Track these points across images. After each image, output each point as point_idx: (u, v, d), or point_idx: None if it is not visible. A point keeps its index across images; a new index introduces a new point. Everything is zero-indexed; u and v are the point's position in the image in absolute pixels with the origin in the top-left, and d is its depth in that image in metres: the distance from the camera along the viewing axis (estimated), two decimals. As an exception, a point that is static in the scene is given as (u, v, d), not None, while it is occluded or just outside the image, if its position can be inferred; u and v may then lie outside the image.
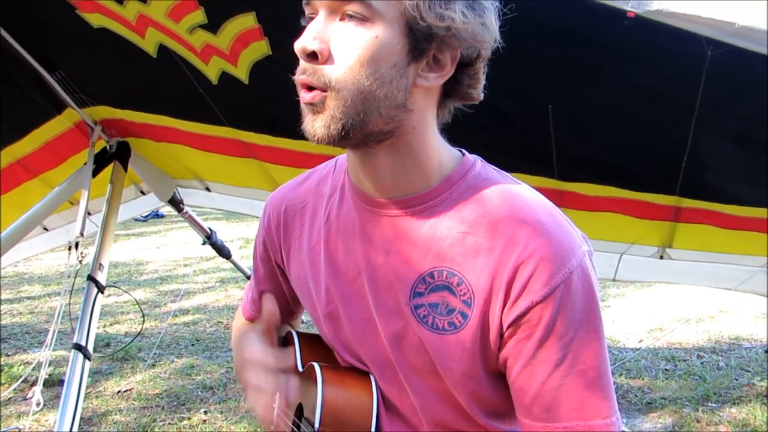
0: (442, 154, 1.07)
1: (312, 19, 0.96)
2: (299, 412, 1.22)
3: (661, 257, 2.83)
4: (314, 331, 1.29)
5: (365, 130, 0.97)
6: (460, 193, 1.05)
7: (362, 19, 0.92)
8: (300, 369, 1.24)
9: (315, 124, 0.96)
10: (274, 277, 1.32)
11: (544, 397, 1.00)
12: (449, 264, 1.03)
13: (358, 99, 0.94)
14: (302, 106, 0.98)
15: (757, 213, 2.26)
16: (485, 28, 0.97)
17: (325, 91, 0.94)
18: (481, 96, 1.06)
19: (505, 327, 1.00)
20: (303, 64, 0.96)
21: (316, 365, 1.15)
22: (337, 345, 1.19)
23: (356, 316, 1.13)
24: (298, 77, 0.97)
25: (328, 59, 0.94)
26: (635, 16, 1.60)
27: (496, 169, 1.11)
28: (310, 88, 0.95)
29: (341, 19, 0.94)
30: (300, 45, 0.94)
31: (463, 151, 1.11)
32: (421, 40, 0.94)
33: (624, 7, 1.59)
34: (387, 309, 1.09)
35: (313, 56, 0.94)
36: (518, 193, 1.05)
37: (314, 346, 1.27)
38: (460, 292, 1.02)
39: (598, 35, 1.76)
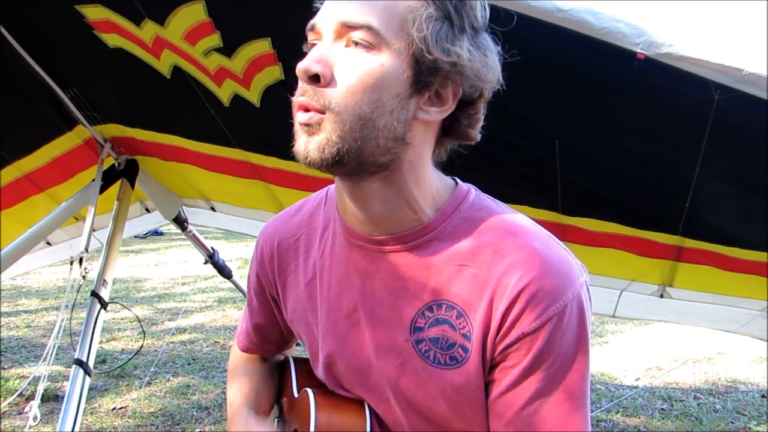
0: (435, 187, 1.04)
1: (315, 45, 0.96)
2: None
3: (662, 296, 2.84)
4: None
5: (360, 158, 0.94)
6: (454, 226, 1.03)
7: (369, 47, 0.91)
8: (296, 395, 1.24)
9: (309, 146, 0.93)
10: (268, 309, 1.30)
11: (520, 421, 0.99)
12: (447, 297, 1.02)
13: (356, 125, 0.92)
14: (296, 126, 0.96)
15: (758, 256, 2.27)
16: (488, 68, 0.97)
17: (322, 113, 0.92)
18: (479, 137, 1.05)
19: (495, 354, 0.99)
20: (303, 86, 0.94)
21: (309, 391, 1.15)
22: (331, 380, 1.16)
23: (352, 353, 1.11)
24: (297, 98, 0.95)
25: (330, 82, 0.92)
26: (645, 58, 1.63)
27: (491, 198, 1.09)
28: (307, 110, 0.93)
29: (347, 45, 0.93)
30: (302, 66, 0.92)
31: (456, 179, 1.09)
32: (425, 73, 0.94)
33: (634, 49, 1.62)
34: (385, 345, 1.07)
35: (315, 79, 0.92)
36: (514, 222, 1.03)
37: (311, 371, 1.27)
38: (460, 325, 1.01)
39: (608, 75, 1.79)
